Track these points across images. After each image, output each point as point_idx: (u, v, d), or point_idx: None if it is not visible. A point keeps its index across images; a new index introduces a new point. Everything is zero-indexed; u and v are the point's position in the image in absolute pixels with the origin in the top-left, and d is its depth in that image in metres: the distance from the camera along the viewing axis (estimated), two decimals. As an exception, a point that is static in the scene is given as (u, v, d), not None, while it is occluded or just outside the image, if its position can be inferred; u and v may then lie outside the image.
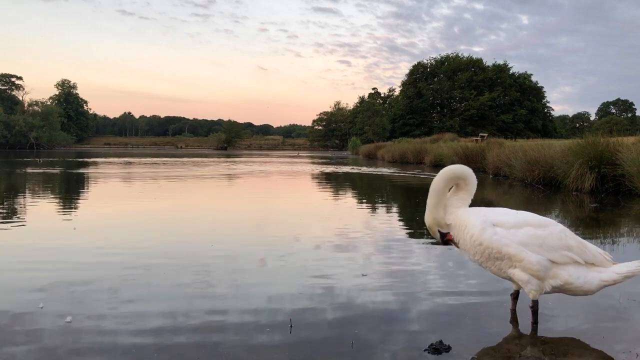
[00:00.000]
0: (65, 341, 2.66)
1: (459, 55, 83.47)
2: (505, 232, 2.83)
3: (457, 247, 3.05)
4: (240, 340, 2.72)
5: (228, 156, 46.42)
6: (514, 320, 3.03)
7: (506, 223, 2.86)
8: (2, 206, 8.41)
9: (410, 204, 9.79)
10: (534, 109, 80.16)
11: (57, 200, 9.55)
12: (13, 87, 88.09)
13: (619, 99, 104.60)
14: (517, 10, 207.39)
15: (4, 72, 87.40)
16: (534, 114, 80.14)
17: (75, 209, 8.43)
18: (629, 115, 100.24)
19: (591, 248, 2.87)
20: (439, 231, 3.05)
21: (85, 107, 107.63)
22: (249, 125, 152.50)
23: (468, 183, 3.01)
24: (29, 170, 18.97)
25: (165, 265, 4.33)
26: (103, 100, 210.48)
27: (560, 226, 2.91)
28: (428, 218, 3.05)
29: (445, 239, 3.05)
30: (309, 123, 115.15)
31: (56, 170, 19.12)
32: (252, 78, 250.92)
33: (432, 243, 5.24)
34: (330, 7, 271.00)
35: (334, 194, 12.17)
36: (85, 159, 32.16)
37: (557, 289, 2.85)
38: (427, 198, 3.03)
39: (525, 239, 2.80)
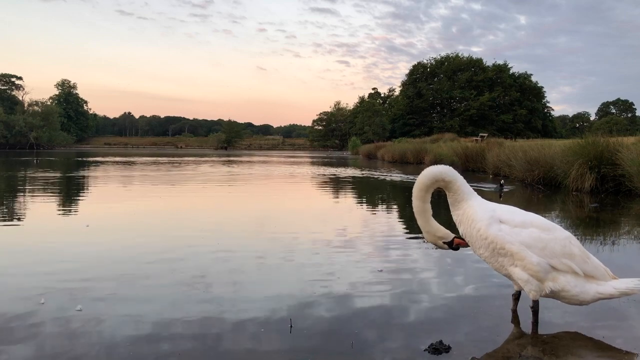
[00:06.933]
0: (62, 339, 2.67)
1: (459, 55, 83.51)
2: (510, 229, 2.83)
3: (468, 244, 3.03)
4: (240, 339, 2.71)
5: (228, 156, 46.40)
6: (515, 320, 3.03)
7: (512, 221, 2.86)
8: (10, 207, 8.41)
9: (411, 205, 9.77)
10: (534, 109, 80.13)
11: (61, 201, 9.55)
12: (13, 87, 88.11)
13: (619, 99, 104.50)
14: (514, 11, 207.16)
15: (4, 72, 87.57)
16: (534, 114, 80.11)
17: (79, 208, 8.43)
18: (629, 115, 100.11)
19: (594, 260, 2.86)
20: (443, 242, 3.04)
21: (85, 107, 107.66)
22: (249, 125, 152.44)
23: (444, 179, 2.95)
24: (23, 172, 18.95)
25: (167, 264, 4.33)
26: (103, 100, 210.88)
27: (567, 233, 2.90)
28: (427, 237, 3.07)
29: (455, 245, 3.03)
30: (309, 123, 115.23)
31: (55, 173, 19.11)
32: (251, 78, 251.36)
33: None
34: (328, 7, 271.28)
35: (336, 196, 12.18)
36: (86, 159, 32.14)
37: (553, 294, 2.84)
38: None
39: (529, 240, 2.80)
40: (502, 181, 11.90)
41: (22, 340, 2.67)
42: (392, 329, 2.88)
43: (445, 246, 3.05)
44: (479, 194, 3.08)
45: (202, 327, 2.90)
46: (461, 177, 3.00)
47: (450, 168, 3.01)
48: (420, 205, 2.99)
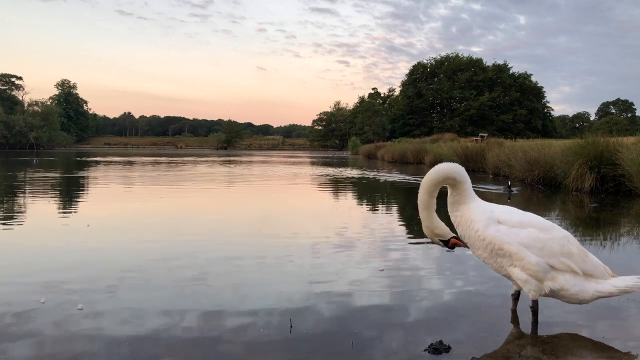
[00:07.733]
0: (63, 338, 2.67)
1: (459, 55, 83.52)
2: (508, 230, 2.83)
3: (466, 246, 3.03)
4: (240, 339, 2.72)
5: (228, 156, 46.41)
6: (514, 320, 3.04)
7: (510, 222, 2.86)
8: (10, 207, 8.41)
9: (411, 206, 9.78)
10: (533, 109, 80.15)
11: (62, 200, 9.55)
12: (13, 87, 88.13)
13: (618, 99, 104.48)
14: (514, 11, 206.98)
15: (4, 72, 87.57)
16: (534, 114, 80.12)
17: (80, 208, 8.43)
18: (629, 115, 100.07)
19: (592, 259, 2.87)
20: (440, 240, 3.04)
21: (85, 107, 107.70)
22: (249, 125, 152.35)
23: (455, 178, 2.94)
24: (23, 173, 18.95)
25: (167, 264, 4.34)
26: (103, 100, 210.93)
27: (565, 232, 2.90)
28: (426, 231, 3.05)
29: (450, 244, 3.03)
30: (309, 123, 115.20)
31: (55, 173, 19.11)
32: (251, 78, 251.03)
33: (431, 243, 5.24)
34: (327, 7, 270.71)
35: (336, 196, 12.18)
36: (86, 159, 32.13)
37: (553, 293, 2.85)
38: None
39: (527, 240, 2.80)
40: (510, 182, 11.73)
41: (22, 339, 2.67)
42: (392, 329, 2.88)
43: (442, 244, 3.05)
44: (484, 196, 3.08)
45: (202, 326, 2.90)
46: (469, 180, 3.01)
47: (463, 169, 3.00)
48: (427, 199, 2.98)
